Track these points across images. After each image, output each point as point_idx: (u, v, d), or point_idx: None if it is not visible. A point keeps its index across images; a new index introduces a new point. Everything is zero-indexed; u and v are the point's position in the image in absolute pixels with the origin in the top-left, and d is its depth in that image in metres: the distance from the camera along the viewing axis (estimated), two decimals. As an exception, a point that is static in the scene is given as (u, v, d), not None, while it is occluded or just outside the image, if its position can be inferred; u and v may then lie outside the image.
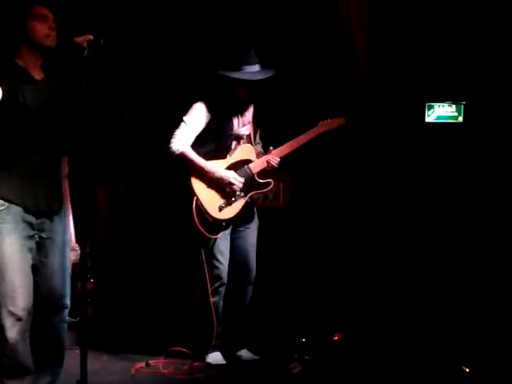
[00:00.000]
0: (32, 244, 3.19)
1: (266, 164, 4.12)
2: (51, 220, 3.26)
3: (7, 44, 3.22)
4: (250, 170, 4.13)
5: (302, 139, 4.13)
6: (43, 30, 3.16)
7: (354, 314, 4.51)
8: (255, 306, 4.32)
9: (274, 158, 4.12)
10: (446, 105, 4.85)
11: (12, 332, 3.11)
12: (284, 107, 5.09)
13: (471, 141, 4.82)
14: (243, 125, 4.17)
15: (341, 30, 4.94)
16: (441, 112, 4.86)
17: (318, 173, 5.09)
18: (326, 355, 3.91)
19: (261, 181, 4.16)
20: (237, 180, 4.05)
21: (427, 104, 4.86)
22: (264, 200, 4.84)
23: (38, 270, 3.24)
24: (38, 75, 3.22)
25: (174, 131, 4.06)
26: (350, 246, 4.86)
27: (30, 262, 3.19)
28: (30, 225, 3.17)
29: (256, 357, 4.18)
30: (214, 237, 4.06)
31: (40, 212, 3.21)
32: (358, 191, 4.93)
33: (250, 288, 4.22)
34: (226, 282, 4.14)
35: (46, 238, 3.24)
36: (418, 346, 3.95)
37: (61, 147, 3.30)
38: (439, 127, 4.87)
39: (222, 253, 4.12)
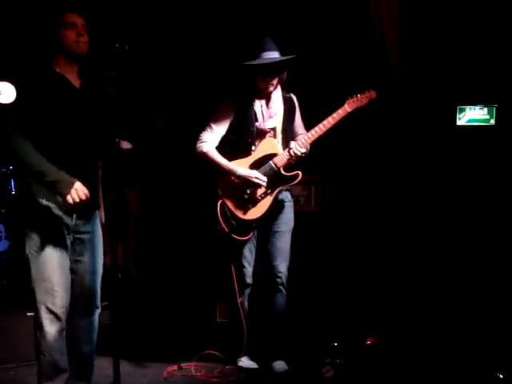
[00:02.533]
0: (68, 244, 3.25)
1: (289, 156, 3.93)
2: (86, 221, 3.32)
3: (44, 52, 3.29)
4: (275, 165, 3.97)
5: (329, 122, 3.90)
6: (72, 38, 3.22)
7: (386, 317, 4.48)
8: (289, 310, 4.30)
9: (297, 148, 3.90)
10: (477, 108, 4.81)
11: (51, 329, 3.18)
12: (312, 104, 5.08)
13: (503, 144, 4.77)
14: (269, 117, 4.01)
15: (372, 34, 4.91)
16: (472, 115, 4.83)
17: (350, 176, 5.06)
18: (358, 359, 3.88)
19: (288, 174, 3.98)
20: (259, 179, 3.93)
21: (458, 107, 4.83)
22: (295, 204, 4.82)
23: (73, 269, 3.30)
24: (75, 82, 3.28)
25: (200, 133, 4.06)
26: (382, 250, 4.83)
27: (68, 261, 3.25)
28: (66, 226, 3.23)
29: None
30: (245, 238, 3.99)
31: (77, 214, 3.26)
32: (390, 194, 4.89)
33: (279, 295, 4.06)
34: (250, 282, 4.09)
35: (81, 239, 3.31)
36: (452, 351, 3.92)
37: (98, 152, 3.36)
38: (471, 130, 4.83)
39: (244, 256, 4.05)
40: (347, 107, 3.92)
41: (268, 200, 3.99)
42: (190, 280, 5.30)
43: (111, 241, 3.36)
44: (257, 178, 3.94)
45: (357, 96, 3.94)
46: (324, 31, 5.09)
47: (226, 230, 3.96)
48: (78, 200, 3.08)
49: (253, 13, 5.20)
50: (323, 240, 4.83)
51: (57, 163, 3.15)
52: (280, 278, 4.05)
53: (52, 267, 3.17)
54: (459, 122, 4.84)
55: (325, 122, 3.91)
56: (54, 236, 3.19)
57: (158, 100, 5.64)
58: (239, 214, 3.98)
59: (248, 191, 3.98)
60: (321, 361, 3.87)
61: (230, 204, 3.99)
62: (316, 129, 3.92)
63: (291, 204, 4.14)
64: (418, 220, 4.80)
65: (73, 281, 3.30)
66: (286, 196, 4.11)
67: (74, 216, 3.26)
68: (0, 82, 2.86)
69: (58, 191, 3.10)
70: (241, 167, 3.97)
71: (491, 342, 3.99)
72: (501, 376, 3.61)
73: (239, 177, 3.95)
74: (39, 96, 3.15)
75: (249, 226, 4.00)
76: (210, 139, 4.01)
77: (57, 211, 3.19)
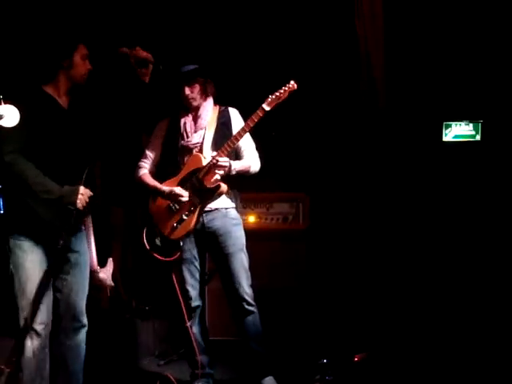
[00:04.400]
0: (52, 261, 3.26)
1: (207, 167, 3.82)
2: (72, 239, 3.33)
3: (40, 71, 3.37)
4: (197, 179, 3.86)
5: (248, 125, 3.78)
6: (84, 70, 3.36)
7: (375, 334, 4.49)
8: (277, 327, 4.28)
9: (217, 157, 3.79)
10: (463, 123, 4.86)
11: (31, 346, 3.18)
12: (299, 130, 5.07)
13: (489, 160, 4.80)
14: (194, 132, 3.96)
15: (357, 51, 4.95)
16: (458, 131, 4.86)
17: (338, 193, 5.06)
18: (347, 376, 3.89)
19: (210, 187, 3.85)
20: (179, 194, 3.84)
21: (444, 123, 4.87)
22: (284, 221, 4.83)
23: (59, 287, 3.34)
24: (65, 103, 3.36)
25: None
26: (371, 267, 4.83)
27: (51, 278, 3.26)
28: (51, 243, 3.23)
29: None
30: (171, 259, 3.88)
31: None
32: (378, 211, 4.91)
33: (251, 317, 3.91)
34: (195, 307, 3.99)
35: (67, 258, 3.33)
36: (442, 367, 3.93)
37: (83, 171, 3.35)
38: (457, 146, 4.87)
39: (185, 278, 3.97)
40: (265, 106, 3.77)
41: (192, 217, 3.88)
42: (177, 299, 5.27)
43: (100, 259, 3.39)
44: (175, 193, 3.86)
45: (275, 93, 3.79)
46: (309, 49, 5.11)
47: (147, 247, 3.89)
48: (86, 202, 3.22)
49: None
50: (312, 257, 4.84)
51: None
52: (245, 300, 3.90)
53: (33, 284, 3.19)
54: (445, 138, 4.88)
55: (244, 127, 3.81)
56: (36, 253, 3.22)
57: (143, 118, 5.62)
58: (166, 233, 3.90)
59: (174, 210, 3.90)
60: (310, 377, 3.87)
61: (158, 225, 3.93)
62: (236, 135, 3.82)
63: (236, 222, 4.00)
64: (407, 236, 4.82)
65: (58, 299, 3.33)
66: (227, 215, 3.98)
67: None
68: (4, 105, 2.88)
69: (67, 203, 3.19)
70: (168, 186, 3.93)
71: (482, 357, 4.01)
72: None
73: (163, 194, 3.90)
74: (28, 117, 3.14)
75: (176, 246, 3.90)
76: (145, 165, 4.06)
77: (40, 228, 3.22)
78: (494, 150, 4.80)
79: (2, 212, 5.00)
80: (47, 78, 3.34)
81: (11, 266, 3.24)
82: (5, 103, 2.80)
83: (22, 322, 3.19)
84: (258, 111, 3.78)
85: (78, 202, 3.18)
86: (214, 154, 3.84)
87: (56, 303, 3.32)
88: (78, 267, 3.38)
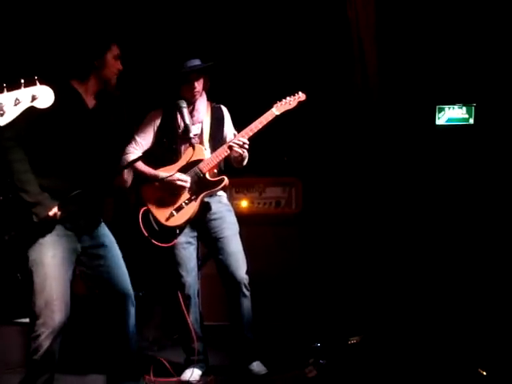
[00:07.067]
0: (75, 256, 3.27)
1: (214, 162, 3.92)
2: (92, 237, 3.37)
3: (72, 67, 3.36)
4: (200, 170, 3.92)
5: (257, 126, 3.88)
6: (115, 69, 3.37)
7: (369, 317, 4.50)
8: (270, 311, 4.28)
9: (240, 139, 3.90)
10: (456, 107, 4.85)
11: (46, 342, 3.12)
12: (291, 115, 5.05)
13: (482, 143, 4.80)
14: (192, 124, 3.96)
15: (349, 35, 4.94)
16: (451, 114, 4.86)
17: (330, 178, 5.07)
18: (341, 359, 3.89)
19: (213, 179, 3.94)
20: (181, 180, 3.88)
21: (438, 106, 4.86)
22: (276, 206, 4.82)
23: (100, 275, 3.36)
24: (90, 102, 3.36)
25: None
26: (363, 250, 4.84)
27: (71, 274, 3.24)
28: (73, 238, 3.26)
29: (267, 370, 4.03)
30: (167, 245, 3.89)
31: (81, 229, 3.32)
32: (370, 195, 4.91)
33: (245, 300, 3.95)
34: (190, 294, 3.99)
35: (93, 247, 3.36)
36: (434, 349, 3.93)
37: (103, 171, 3.40)
38: (450, 129, 4.86)
39: (179, 264, 3.98)
40: (275, 111, 3.91)
41: (192, 206, 3.92)
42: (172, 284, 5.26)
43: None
44: (179, 179, 3.90)
45: (285, 99, 3.94)
46: (302, 31, 5.10)
47: (146, 234, 3.88)
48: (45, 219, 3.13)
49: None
50: (304, 241, 4.84)
51: (58, 177, 3.19)
52: (241, 283, 3.93)
53: (53, 281, 3.13)
54: (438, 122, 4.87)
55: (252, 127, 3.89)
56: (57, 249, 3.17)
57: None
58: (162, 220, 3.91)
59: (173, 197, 3.92)
60: (303, 361, 3.87)
61: (153, 211, 3.93)
62: (243, 133, 3.90)
63: (230, 208, 4.10)
64: (399, 220, 4.82)
65: (109, 282, 3.37)
66: (221, 201, 4.06)
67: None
68: (39, 86, 2.79)
69: (34, 212, 3.11)
70: (161, 172, 3.94)
71: (474, 341, 4.02)
72: (484, 373, 3.62)
73: (162, 181, 3.90)
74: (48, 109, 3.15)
75: (172, 233, 3.92)
76: (135, 151, 4.01)
77: (60, 225, 3.20)
78: (488, 133, 4.79)
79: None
80: (78, 75, 3.33)
81: (30, 264, 3.16)
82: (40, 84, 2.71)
83: (39, 320, 3.10)
84: (267, 115, 3.90)
85: (41, 216, 3.10)
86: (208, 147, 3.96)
87: (107, 287, 3.36)
88: (109, 249, 3.40)
